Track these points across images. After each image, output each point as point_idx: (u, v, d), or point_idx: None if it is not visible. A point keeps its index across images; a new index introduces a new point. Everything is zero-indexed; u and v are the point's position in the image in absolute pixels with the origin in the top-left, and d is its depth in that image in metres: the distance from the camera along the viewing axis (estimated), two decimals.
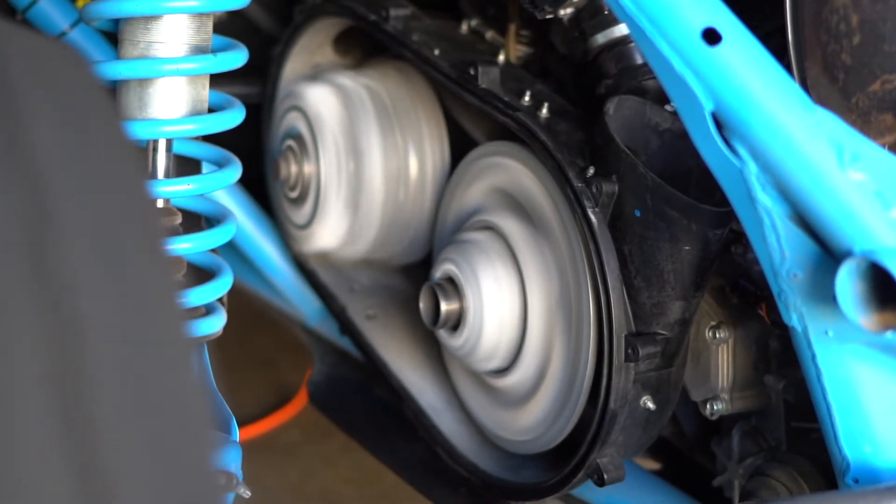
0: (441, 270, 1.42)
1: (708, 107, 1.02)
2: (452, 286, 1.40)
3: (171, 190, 1.25)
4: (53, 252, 0.66)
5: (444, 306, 1.39)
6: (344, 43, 1.73)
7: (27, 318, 0.63)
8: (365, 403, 1.72)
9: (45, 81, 0.75)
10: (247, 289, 1.88)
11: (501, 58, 1.48)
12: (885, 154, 1.01)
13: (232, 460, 1.22)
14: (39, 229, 0.66)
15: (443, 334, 1.42)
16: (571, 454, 1.33)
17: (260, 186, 1.81)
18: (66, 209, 0.68)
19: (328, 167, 1.62)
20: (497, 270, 1.37)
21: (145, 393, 0.65)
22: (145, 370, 0.66)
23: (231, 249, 1.78)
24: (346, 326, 1.70)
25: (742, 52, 1.01)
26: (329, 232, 1.64)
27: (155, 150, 1.26)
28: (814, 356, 1.06)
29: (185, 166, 1.33)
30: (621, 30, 1.33)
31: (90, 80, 0.77)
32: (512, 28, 1.52)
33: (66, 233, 0.67)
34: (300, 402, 2.26)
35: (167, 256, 0.73)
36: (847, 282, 0.97)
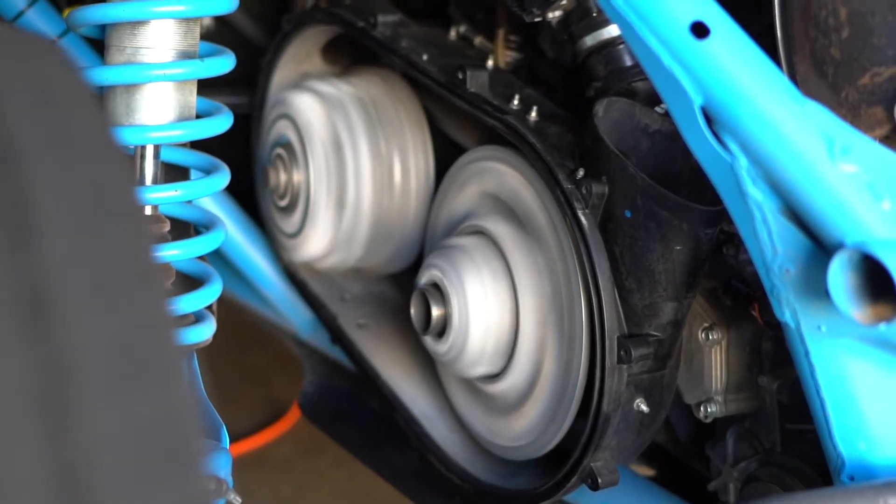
0: (426, 276, 1.41)
1: (697, 101, 1.02)
2: (438, 292, 1.39)
3: (159, 196, 1.24)
4: (33, 246, 0.65)
5: (435, 311, 1.38)
6: (332, 52, 1.72)
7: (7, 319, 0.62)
8: (357, 414, 1.72)
9: (26, 75, 0.74)
10: (238, 303, 1.88)
11: (490, 63, 1.47)
12: (875, 146, 1.01)
13: (222, 467, 1.21)
14: (19, 220, 0.66)
15: (429, 341, 1.42)
16: (565, 460, 1.32)
17: (249, 199, 1.80)
18: (45, 199, 0.67)
19: (318, 175, 1.61)
20: (483, 275, 1.36)
21: (134, 404, 0.64)
22: (134, 373, 0.65)
23: (222, 262, 1.77)
24: (338, 336, 1.69)
25: (731, 45, 1.01)
26: (319, 240, 1.64)
27: (143, 156, 1.25)
28: (807, 352, 1.06)
29: (173, 176, 1.32)
30: (610, 32, 1.33)
31: (71, 72, 0.77)
32: (500, 33, 1.52)
33: (46, 225, 0.66)
34: (293, 417, 2.25)
35: (152, 252, 0.72)
36: (839, 274, 0.96)
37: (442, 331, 1.39)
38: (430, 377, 1.58)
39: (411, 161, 1.59)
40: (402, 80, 1.63)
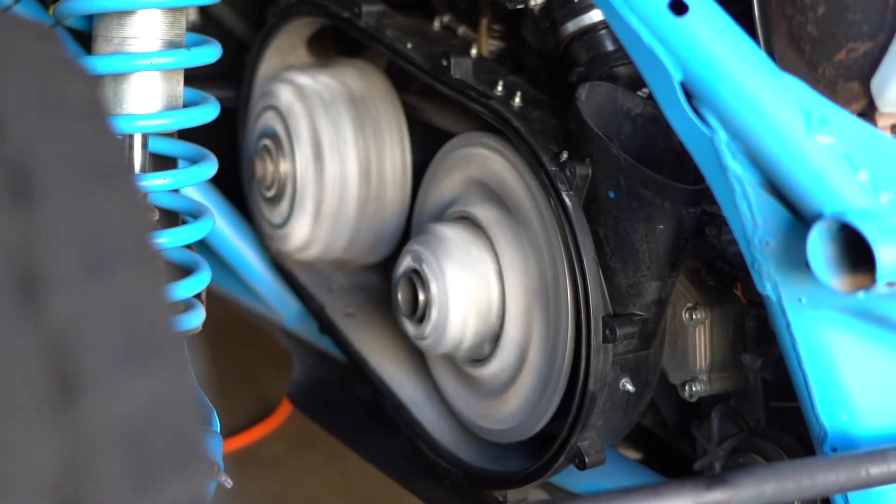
0: (406, 262, 1.42)
1: (677, 77, 1.04)
2: (418, 277, 1.40)
3: (147, 185, 1.26)
4: (31, 215, 0.66)
5: (421, 296, 1.39)
6: (317, 44, 1.74)
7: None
8: (346, 403, 1.73)
9: (23, 53, 0.76)
10: (226, 300, 1.89)
11: (474, 51, 1.49)
12: (852, 118, 1.03)
13: (213, 450, 1.22)
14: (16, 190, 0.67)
15: (409, 326, 1.43)
16: (553, 442, 1.34)
17: (236, 193, 1.81)
18: (42, 169, 0.68)
19: (304, 165, 1.62)
20: (464, 259, 1.37)
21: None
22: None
23: (210, 255, 1.78)
24: (326, 325, 1.70)
25: (709, 21, 1.02)
26: (306, 229, 1.65)
27: (131, 145, 1.27)
28: (788, 325, 1.07)
29: (161, 167, 1.33)
30: (591, 17, 1.35)
31: (63, 51, 0.78)
32: (483, 22, 1.53)
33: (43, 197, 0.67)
34: (283, 413, 2.26)
35: (148, 224, 0.73)
36: (818, 244, 0.98)
37: (423, 316, 1.40)
38: (418, 363, 1.59)
39: (387, 150, 1.61)
40: (379, 72, 1.65)
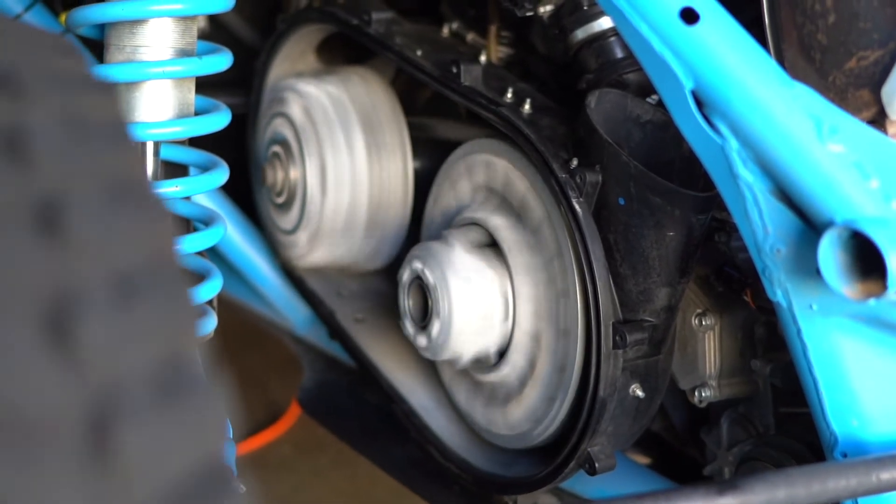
0: (409, 269, 1.43)
1: (688, 85, 1.04)
2: (423, 284, 1.41)
3: (159, 192, 1.26)
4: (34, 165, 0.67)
5: (431, 303, 1.40)
6: (326, 51, 1.74)
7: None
8: (356, 408, 1.73)
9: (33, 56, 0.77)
10: (234, 305, 1.89)
11: (483, 58, 1.49)
12: (862, 126, 1.03)
13: (227, 455, 1.22)
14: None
15: (410, 332, 1.43)
16: (563, 447, 1.34)
17: (246, 201, 1.82)
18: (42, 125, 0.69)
19: (313, 171, 1.63)
20: (470, 267, 1.37)
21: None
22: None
23: (219, 261, 1.78)
24: (335, 331, 1.71)
25: (720, 30, 1.03)
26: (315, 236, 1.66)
27: (143, 153, 1.27)
28: (799, 331, 1.08)
29: (173, 175, 1.34)
30: (601, 25, 1.35)
31: (72, 50, 0.79)
32: (492, 29, 1.54)
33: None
34: (291, 417, 2.27)
35: (146, 175, 0.75)
36: (829, 252, 0.98)
37: (427, 323, 1.40)
38: (428, 369, 1.60)
39: (389, 156, 1.62)
40: (382, 79, 1.66)
